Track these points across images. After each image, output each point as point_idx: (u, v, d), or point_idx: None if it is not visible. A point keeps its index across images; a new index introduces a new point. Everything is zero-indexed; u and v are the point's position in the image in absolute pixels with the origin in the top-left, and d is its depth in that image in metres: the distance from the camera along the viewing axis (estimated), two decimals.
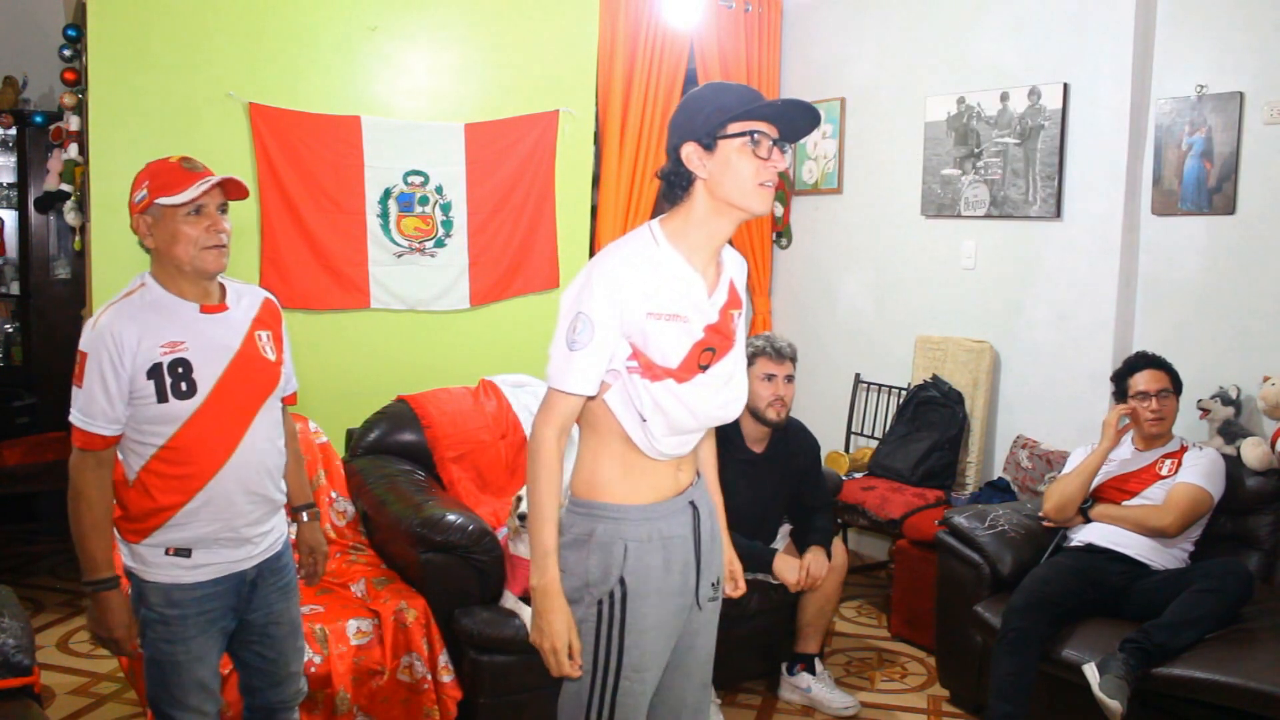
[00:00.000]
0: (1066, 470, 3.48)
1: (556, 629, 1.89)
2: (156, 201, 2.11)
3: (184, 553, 2.16)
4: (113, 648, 2.17)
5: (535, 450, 1.93)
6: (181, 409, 2.10)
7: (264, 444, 2.24)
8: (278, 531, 2.34)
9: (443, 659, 3.01)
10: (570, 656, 1.90)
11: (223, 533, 2.18)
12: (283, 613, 2.35)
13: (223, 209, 2.19)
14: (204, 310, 2.17)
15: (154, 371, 2.07)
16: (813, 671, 3.50)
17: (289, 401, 2.44)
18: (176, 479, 2.12)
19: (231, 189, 2.19)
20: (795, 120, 1.90)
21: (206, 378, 2.13)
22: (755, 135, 1.85)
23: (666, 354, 1.89)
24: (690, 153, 1.88)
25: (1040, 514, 3.45)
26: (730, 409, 2.01)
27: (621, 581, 1.93)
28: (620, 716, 1.97)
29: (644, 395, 1.90)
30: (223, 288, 2.25)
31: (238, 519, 2.20)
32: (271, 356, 2.27)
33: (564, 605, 1.91)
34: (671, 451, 1.97)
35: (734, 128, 1.86)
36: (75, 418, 2.09)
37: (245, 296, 2.29)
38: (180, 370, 2.09)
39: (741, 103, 1.86)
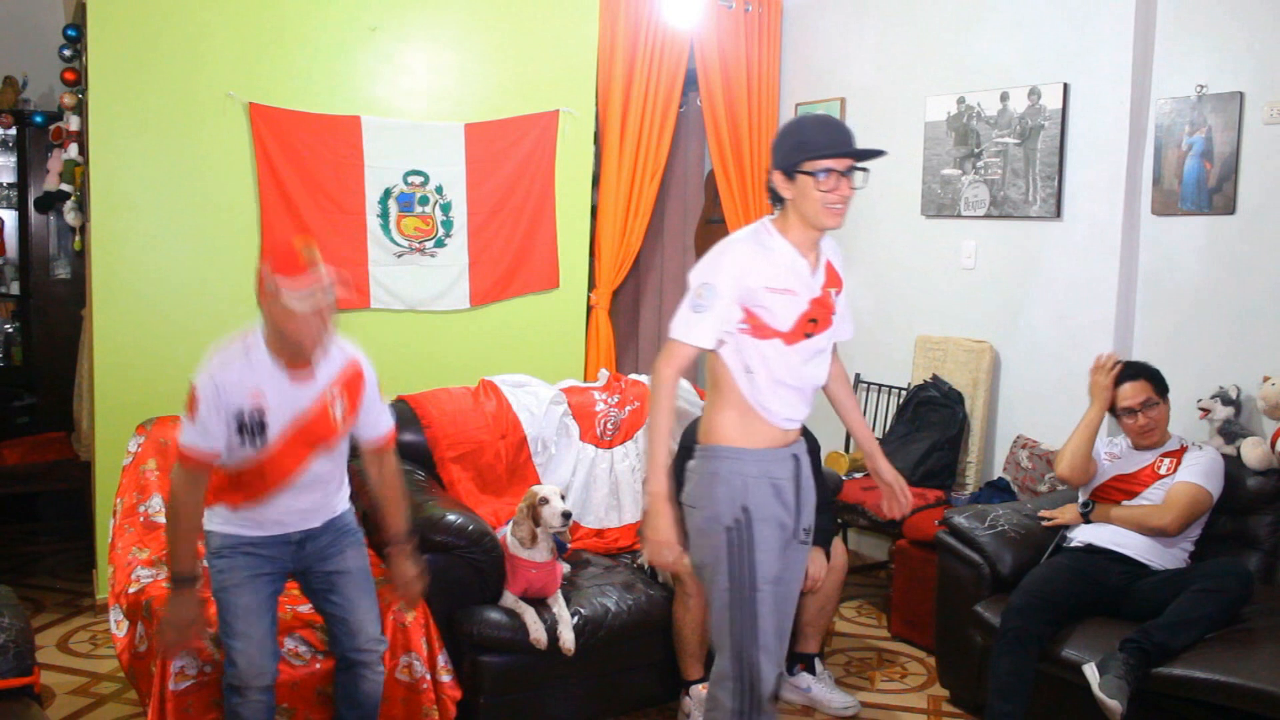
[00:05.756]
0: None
1: (662, 525, 2.36)
2: (277, 289, 2.39)
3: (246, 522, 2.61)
4: (177, 634, 2.48)
5: (656, 385, 2.41)
6: (251, 451, 2.49)
7: (317, 475, 2.61)
8: (329, 509, 2.68)
9: (441, 659, 3.01)
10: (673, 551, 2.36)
11: (280, 516, 2.61)
12: (342, 560, 2.68)
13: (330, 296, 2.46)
14: (291, 378, 2.49)
15: (238, 417, 2.45)
16: (813, 671, 3.50)
17: (384, 442, 2.73)
18: (245, 489, 2.56)
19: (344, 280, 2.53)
20: (867, 152, 2.36)
21: (275, 426, 2.48)
22: (822, 174, 2.31)
23: (779, 319, 2.37)
24: (778, 180, 2.39)
25: (1055, 476, 3.46)
26: (820, 374, 2.52)
27: (745, 509, 2.38)
28: (762, 623, 2.39)
29: (750, 350, 2.38)
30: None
31: (293, 514, 2.62)
32: (337, 415, 2.57)
33: (670, 509, 2.36)
34: (776, 408, 2.41)
35: (807, 166, 2.33)
36: (187, 442, 2.43)
37: (334, 360, 2.57)
38: (255, 419, 2.46)
39: (816, 146, 2.32)
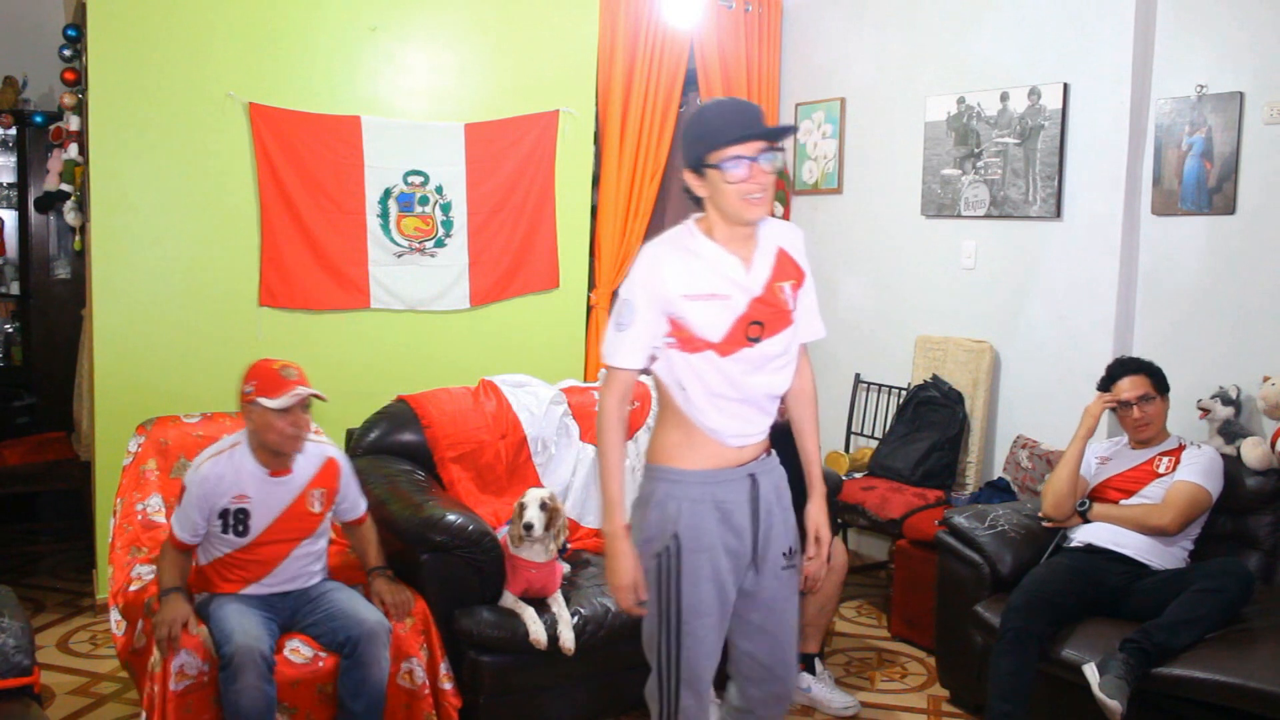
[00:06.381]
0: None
1: (621, 568, 2.20)
2: (258, 400, 2.76)
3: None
4: (170, 629, 2.70)
5: (599, 416, 2.24)
6: (237, 542, 2.84)
7: (299, 561, 2.92)
8: (308, 577, 2.97)
9: (444, 667, 3.00)
10: (637, 593, 2.21)
11: (265, 592, 2.91)
12: (324, 586, 2.94)
13: (306, 406, 2.82)
14: (271, 474, 2.84)
15: (223, 514, 2.82)
16: (813, 671, 3.50)
17: (360, 521, 3.09)
18: (231, 576, 2.88)
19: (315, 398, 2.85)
20: (773, 131, 2.14)
21: (258, 524, 2.84)
22: (730, 162, 2.09)
23: (707, 329, 2.15)
24: (689, 179, 2.18)
25: (1040, 515, 3.45)
26: (776, 383, 2.25)
27: (675, 537, 2.20)
28: (686, 655, 2.23)
29: (680, 365, 2.18)
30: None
31: (279, 589, 2.92)
32: (316, 510, 2.92)
33: (628, 549, 2.20)
34: (719, 425, 2.19)
35: (712, 159, 2.11)
36: (174, 528, 2.85)
37: (311, 459, 2.92)
38: (239, 517, 2.82)
39: (714, 135, 2.10)
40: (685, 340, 2.16)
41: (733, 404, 2.20)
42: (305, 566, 2.95)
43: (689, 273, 2.15)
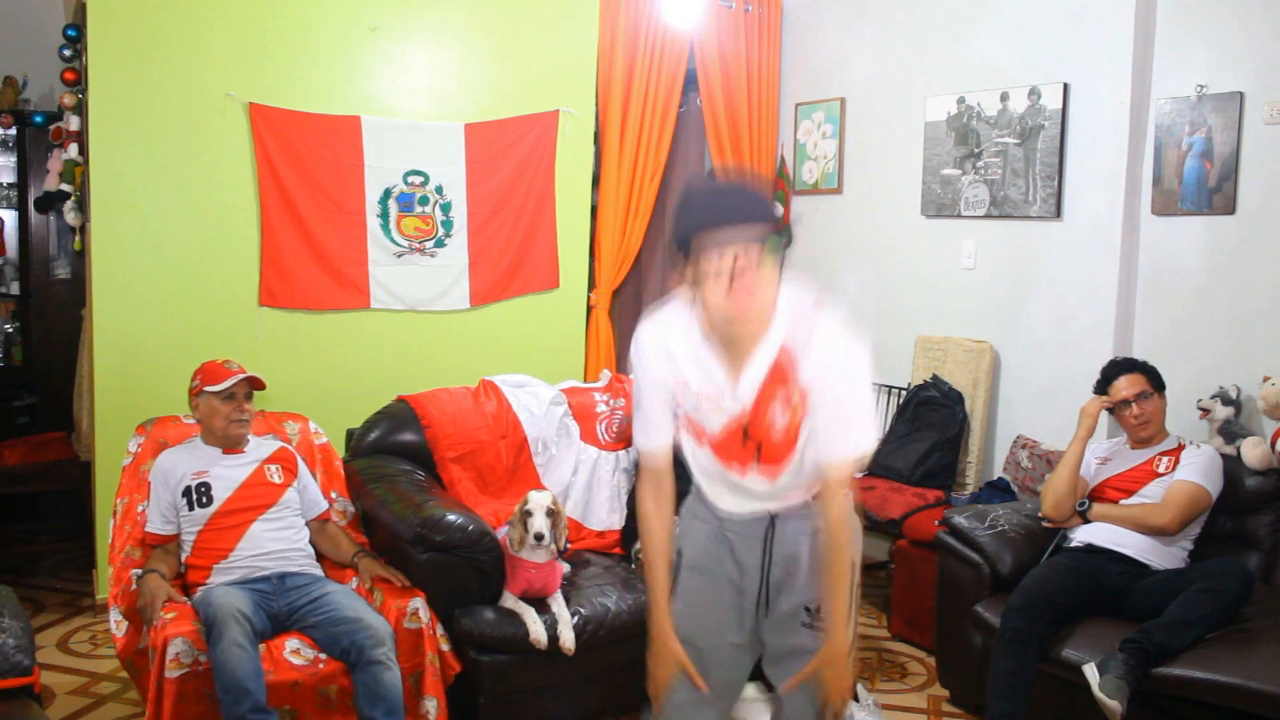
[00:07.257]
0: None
1: (652, 662, 2.07)
2: (204, 389, 3.09)
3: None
4: (150, 607, 2.84)
5: (637, 508, 2.12)
6: (202, 514, 3.04)
7: (264, 535, 3.05)
8: (299, 560, 3.09)
9: (439, 629, 3.02)
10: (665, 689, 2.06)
11: (250, 573, 3.02)
12: (324, 587, 2.99)
13: (248, 396, 3.13)
14: (225, 453, 3.13)
15: (186, 492, 3.06)
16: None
17: (324, 517, 3.29)
18: (208, 554, 3.02)
19: (255, 382, 3.14)
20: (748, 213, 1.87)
21: (220, 495, 3.06)
22: (712, 252, 1.83)
23: (704, 421, 1.97)
24: (679, 260, 1.92)
25: (1040, 515, 3.46)
26: (791, 486, 2.01)
27: (679, 552, 2.10)
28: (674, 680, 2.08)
29: (684, 444, 2.04)
30: (247, 440, 3.17)
31: (259, 570, 3.01)
32: (276, 480, 3.15)
33: (665, 645, 2.03)
34: (727, 508, 2.04)
35: (694, 242, 1.86)
36: (147, 526, 3.09)
37: (265, 444, 3.22)
38: (202, 489, 3.05)
39: (689, 224, 1.85)
40: (690, 423, 2.00)
41: (740, 491, 2.02)
42: (278, 533, 3.06)
43: (676, 360, 1.96)
